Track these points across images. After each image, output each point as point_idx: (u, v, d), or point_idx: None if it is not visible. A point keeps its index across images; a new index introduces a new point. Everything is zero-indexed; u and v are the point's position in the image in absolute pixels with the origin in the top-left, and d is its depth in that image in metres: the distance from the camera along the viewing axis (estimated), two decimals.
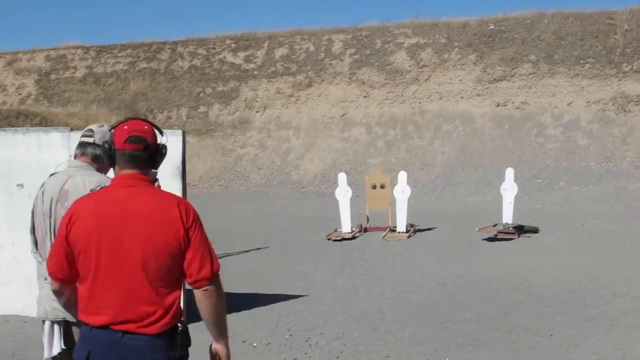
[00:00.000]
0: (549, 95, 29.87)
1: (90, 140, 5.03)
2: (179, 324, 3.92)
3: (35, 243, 5.16)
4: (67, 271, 3.98)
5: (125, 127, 3.98)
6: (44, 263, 5.07)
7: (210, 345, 4.06)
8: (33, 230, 5.16)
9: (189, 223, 3.88)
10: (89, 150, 5.06)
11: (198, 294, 3.91)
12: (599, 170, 26.15)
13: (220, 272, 3.97)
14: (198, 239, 3.89)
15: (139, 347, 3.81)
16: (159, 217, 3.86)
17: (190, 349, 4.02)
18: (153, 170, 4.35)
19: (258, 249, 16.44)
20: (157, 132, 4.09)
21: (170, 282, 3.88)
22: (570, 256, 14.34)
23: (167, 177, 7.95)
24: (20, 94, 38.03)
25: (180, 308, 3.96)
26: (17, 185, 9.58)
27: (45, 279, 5.06)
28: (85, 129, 5.10)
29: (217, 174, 31.43)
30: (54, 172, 5.28)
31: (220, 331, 4.03)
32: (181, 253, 3.85)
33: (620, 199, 23.35)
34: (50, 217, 5.02)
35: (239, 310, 10.13)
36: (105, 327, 3.84)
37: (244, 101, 34.37)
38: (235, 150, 32.64)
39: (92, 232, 3.86)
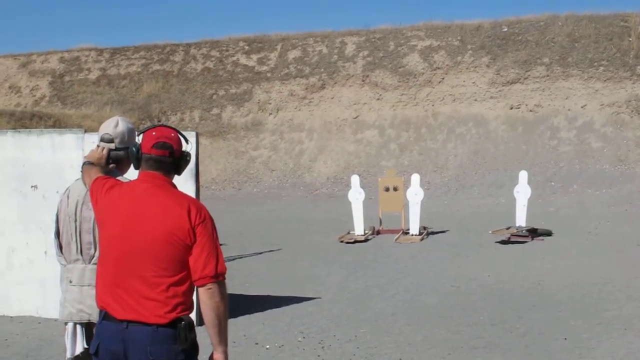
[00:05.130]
0: (563, 98, 29.78)
1: (112, 146, 5.08)
2: (182, 317, 3.95)
3: (60, 246, 5.23)
4: (94, 211, 4.44)
5: (154, 133, 4.18)
6: (69, 266, 5.15)
7: (211, 356, 4.06)
8: (57, 234, 5.24)
9: (198, 220, 4.01)
10: (111, 154, 5.11)
11: (201, 292, 3.98)
12: (613, 173, 26.06)
13: (225, 276, 4.05)
14: (206, 237, 4.00)
15: (140, 338, 3.91)
16: (168, 210, 4.01)
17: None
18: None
19: (271, 251, 16.44)
20: (182, 139, 4.28)
21: (176, 274, 3.96)
22: (584, 259, 14.29)
23: (181, 179, 7.95)
24: (34, 96, 38.14)
25: (188, 303, 4.03)
26: (31, 186, 9.61)
27: (70, 282, 5.12)
28: (103, 132, 5.12)
29: (230, 176, 31.45)
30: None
31: (220, 337, 4.02)
32: (186, 247, 3.96)
33: (634, 202, 23.26)
34: (75, 220, 5.12)
35: (251, 313, 10.13)
36: (111, 316, 3.99)
37: (257, 103, 34.39)
38: (248, 152, 32.65)
39: (111, 221, 4.11)
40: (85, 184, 4.77)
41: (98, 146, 5.07)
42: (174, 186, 4.22)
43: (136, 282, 3.94)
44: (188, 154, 4.29)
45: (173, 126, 4.43)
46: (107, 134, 5.12)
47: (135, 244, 3.96)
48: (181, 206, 4.02)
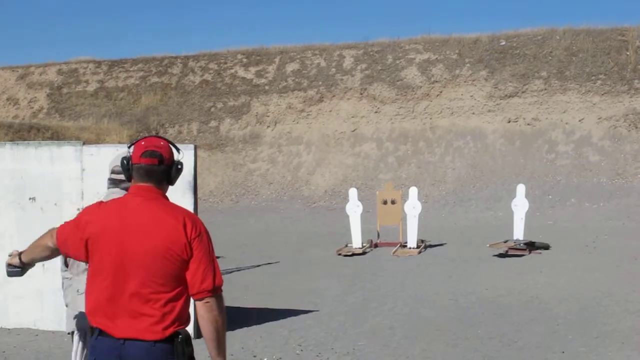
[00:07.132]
0: (560, 111, 29.82)
1: (122, 177, 5.11)
2: (179, 332, 3.94)
3: (65, 262, 5.26)
4: (72, 251, 4.20)
5: (143, 143, 4.13)
6: (76, 277, 5.17)
7: None
8: None
9: (194, 234, 3.98)
10: (122, 186, 5.18)
11: (199, 306, 3.96)
12: (611, 187, 26.07)
13: (222, 289, 4.03)
14: (202, 251, 3.98)
15: (137, 354, 3.88)
16: (164, 224, 3.97)
17: None
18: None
19: (269, 263, 16.43)
20: (173, 149, 4.21)
21: (173, 289, 3.94)
22: (581, 273, 14.29)
23: (179, 192, 7.96)
24: (32, 108, 38.13)
25: (184, 317, 4.01)
26: (29, 198, 9.61)
27: (78, 291, 5.15)
28: (114, 165, 5.26)
29: (228, 189, 31.42)
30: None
31: (218, 350, 4.02)
32: (183, 261, 3.93)
33: (632, 216, 23.26)
34: None
35: (249, 325, 10.12)
36: (106, 333, 3.94)
37: (255, 116, 34.40)
38: (246, 165, 32.64)
39: (103, 238, 4.01)
40: (50, 246, 4.34)
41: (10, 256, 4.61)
42: (167, 199, 4.17)
43: (132, 298, 3.90)
44: (179, 163, 4.22)
45: (167, 137, 4.40)
46: (118, 166, 5.20)
47: (131, 260, 3.91)
48: (176, 220, 3.98)
